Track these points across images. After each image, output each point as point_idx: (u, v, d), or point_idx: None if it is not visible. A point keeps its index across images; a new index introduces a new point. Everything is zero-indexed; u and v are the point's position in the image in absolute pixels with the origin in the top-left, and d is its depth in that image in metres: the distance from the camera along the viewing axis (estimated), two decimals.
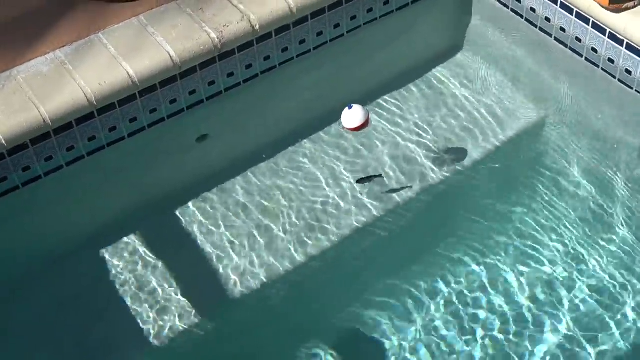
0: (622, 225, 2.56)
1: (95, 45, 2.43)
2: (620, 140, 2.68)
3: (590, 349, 2.32)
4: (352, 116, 2.35)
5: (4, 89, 2.32)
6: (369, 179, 2.67)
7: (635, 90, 2.55)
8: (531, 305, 2.42)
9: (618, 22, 2.46)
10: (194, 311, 2.47)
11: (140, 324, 2.44)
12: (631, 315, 2.37)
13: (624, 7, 2.44)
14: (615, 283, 2.44)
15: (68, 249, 2.56)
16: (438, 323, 2.41)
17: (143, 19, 2.51)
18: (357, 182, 2.69)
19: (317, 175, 2.76)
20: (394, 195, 2.69)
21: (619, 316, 2.38)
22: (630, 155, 2.67)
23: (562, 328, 2.36)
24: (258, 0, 2.53)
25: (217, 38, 2.44)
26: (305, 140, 2.84)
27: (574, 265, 2.49)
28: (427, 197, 2.70)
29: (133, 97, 2.40)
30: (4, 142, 2.22)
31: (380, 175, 2.69)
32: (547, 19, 2.70)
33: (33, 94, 2.29)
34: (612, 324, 2.36)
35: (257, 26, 2.49)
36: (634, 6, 2.45)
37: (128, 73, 2.35)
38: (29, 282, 2.51)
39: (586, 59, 2.64)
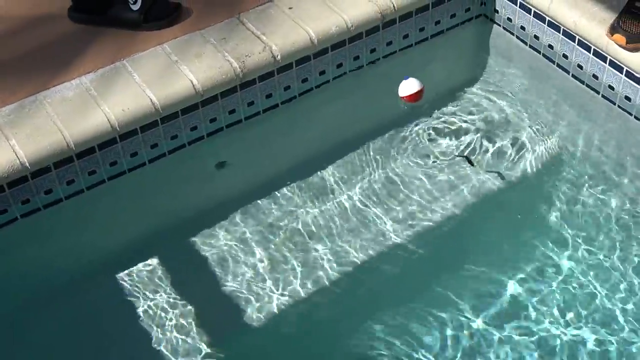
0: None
1: (120, 73, 2.48)
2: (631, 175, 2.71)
3: None
4: (407, 86, 2.62)
5: (30, 112, 2.36)
6: (467, 159, 2.72)
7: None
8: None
9: (636, 60, 2.49)
10: (208, 338, 2.47)
11: (155, 350, 2.45)
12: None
13: None
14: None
15: (85, 273, 2.58)
16: (455, 356, 2.41)
17: (167, 48, 2.56)
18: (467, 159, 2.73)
19: (333, 204, 2.78)
20: (409, 226, 2.70)
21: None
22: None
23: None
24: (280, 32, 2.58)
25: (239, 67, 2.49)
26: (322, 169, 2.86)
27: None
28: (442, 230, 2.71)
29: (155, 123, 2.44)
30: (27, 164, 2.26)
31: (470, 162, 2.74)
32: (565, 56, 2.73)
33: (58, 118, 2.34)
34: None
35: (279, 57, 2.54)
36: None
37: (151, 100, 2.39)
38: (45, 305, 2.52)
39: (603, 96, 2.67)
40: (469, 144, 2.93)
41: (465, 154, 2.73)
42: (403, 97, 2.69)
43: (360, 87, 2.85)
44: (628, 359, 2.36)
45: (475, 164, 2.70)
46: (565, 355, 2.39)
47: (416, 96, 2.62)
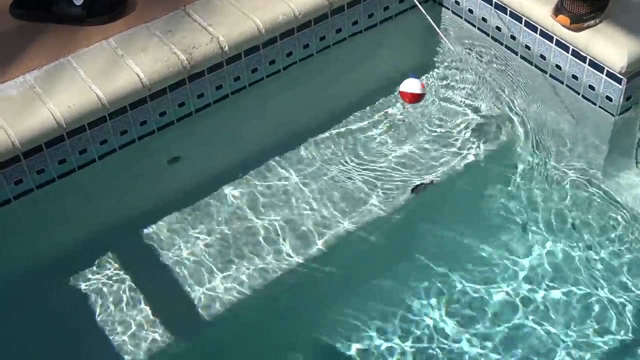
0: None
1: (65, 69, 2.44)
2: (580, 146, 2.75)
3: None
4: (411, 85, 2.48)
5: None
6: (423, 186, 2.67)
7: (599, 107, 2.60)
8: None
9: (580, 39, 2.52)
10: (168, 332, 2.46)
11: (115, 345, 2.43)
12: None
13: (584, 25, 2.49)
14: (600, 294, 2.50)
15: (40, 272, 2.55)
16: (420, 339, 2.43)
17: (112, 42, 2.52)
18: (412, 191, 2.69)
19: (290, 192, 2.78)
20: (369, 209, 2.71)
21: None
22: (592, 158, 2.72)
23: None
24: (227, 22, 2.56)
25: (187, 60, 2.47)
26: (277, 159, 2.86)
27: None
28: (401, 215, 2.72)
29: (103, 119, 2.41)
30: None
31: (431, 182, 2.70)
32: (513, 37, 2.75)
33: (1, 117, 2.30)
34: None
35: (226, 47, 2.52)
36: (595, 24, 2.51)
37: (97, 95, 2.36)
38: (0, 304, 2.50)
39: (551, 75, 2.69)
40: (420, 130, 2.95)
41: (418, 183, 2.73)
42: (404, 93, 2.52)
43: (311, 75, 2.84)
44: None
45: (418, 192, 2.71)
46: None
47: (415, 97, 2.54)
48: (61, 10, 2.58)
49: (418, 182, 2.69)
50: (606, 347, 2.37)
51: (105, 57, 2.48)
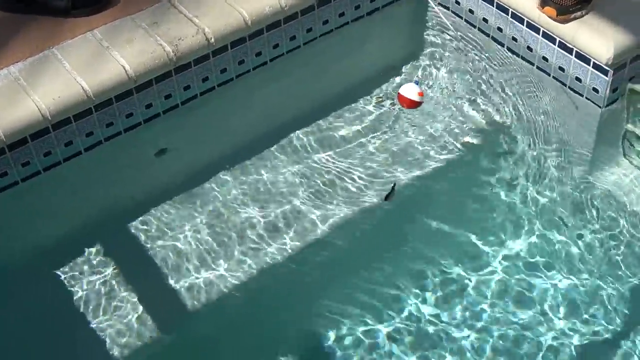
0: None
1: (50, 61, 2.43)
2: (569, 142, 2.75)
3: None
4: (409, 89, 2.49)
5: None
6: (392, 191, 2.67)
7: (586, 98, 2.60)
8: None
9: (567, 31, 2.52)
10: (155, 324, 2.46)
11: (100, 337, 2.42)
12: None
13: (571, 17, 2.49)
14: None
15: (26, 264, 2.54)
16: (404, 331, 2.43)
17: (97, 34, 2.51)
18: (385, 199, 2.69)
19: (277, 184, 2.77)
20: (355, 202, 2.71)
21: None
22: (579, 150, 2.73)
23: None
24: (213, 14, 2.55)
25: (172, 51, 2.45)
26: (264, 151, 2.85)
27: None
28: (387, 205, 2.72)
29: (88, 111, 2.40)
30: None
31: (394, 185, 2.70)
32: (499, 29, 2.75)
33: None
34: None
35: (212, 39, 2.51)
36: (582, 16, 2.51)
37: (83, 87, 2.35)
38: None
39: (537, 67, 2.69)
40: (408, 120, 2.95)
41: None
42: (402, 97, 2.53)
43: (298, 67, 2.83)
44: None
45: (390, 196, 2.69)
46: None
47: (412, 104, 2.56)
48: (46, 2, 2.56)
49: (387, 191, 2.70)
50: (593, 334, 2.40)
51: (91, 48, 2.46)
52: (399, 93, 2.50)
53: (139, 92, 2.47)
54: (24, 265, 2.54)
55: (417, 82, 2.50)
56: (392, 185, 2.67)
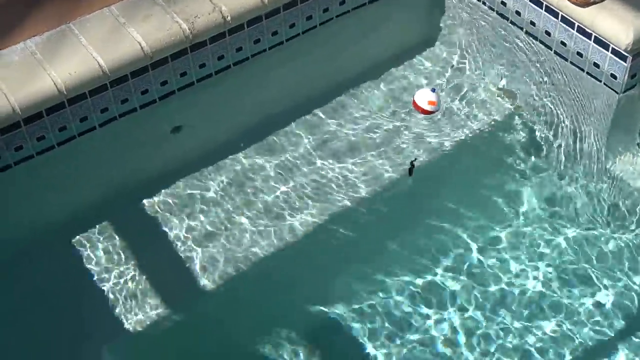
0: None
1: (67, 36, 2.44)
2: (583, 124, 2.73)
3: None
4: (422, 97, 2.55)
5: None
6: (412, 167, 2.70)
7: (604, 83, 2.58)
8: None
9: (586, 16, 2.49)
10: (164, 301, 2.48)
11: (112, 313, 2.45)
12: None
13: (591, 1, 2.47)
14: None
15: (40, 238, 2.56)
16: (408, 315, 2.44)
17: (114, 10, 2.51)
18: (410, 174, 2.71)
19: (289, 166, 2.77)
20: (365, 188, 2.71)
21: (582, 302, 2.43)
22: (595, 136, 2.71)
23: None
24: None
25: (189, 29, 2.45)
26: (277, 131, 2.85)
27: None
28: (397, 192, 2.72)
29: (104, 87, 2.40)
30: None
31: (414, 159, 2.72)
32: (518, 13, 2.73)
33: (3, 83, 2.29)
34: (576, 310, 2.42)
35: (229, 17, 2.50)
36: (601, 0, 2.48)
37: (99, 63, 2.35)
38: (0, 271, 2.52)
39: (555, 52, 2.67)
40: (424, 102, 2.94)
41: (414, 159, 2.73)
42: (415, 104, 2.61)
43: (314, 47, 2.82)
44: None
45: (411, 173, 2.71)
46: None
47: (425, 112, 2.58)
48: None
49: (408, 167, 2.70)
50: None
51: (107, 24, 2.47)
52: (413, 99, 2.53)
53: (154, 69, 2.47)
54: (36, 238, 2.56)
55: (433, 90, 2.51)
56: (412, 160, 2.66)
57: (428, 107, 2.54)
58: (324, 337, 2.44)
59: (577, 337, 2.37)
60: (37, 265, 2.54)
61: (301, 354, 2.37)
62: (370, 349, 2.37)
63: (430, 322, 2.42)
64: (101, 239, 2.59)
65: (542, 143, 2.79)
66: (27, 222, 2.54)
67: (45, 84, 2.31)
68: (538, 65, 2.77)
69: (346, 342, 2.40)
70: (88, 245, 2.57)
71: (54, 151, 2.43)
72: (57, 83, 2.31)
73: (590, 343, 2.36)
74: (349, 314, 2.44)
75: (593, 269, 2.50)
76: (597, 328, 2.39)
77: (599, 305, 2.42)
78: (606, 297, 2.44)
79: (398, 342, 2.38)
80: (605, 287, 2.46)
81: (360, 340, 2.39)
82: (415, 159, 2.68)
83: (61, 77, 2.32)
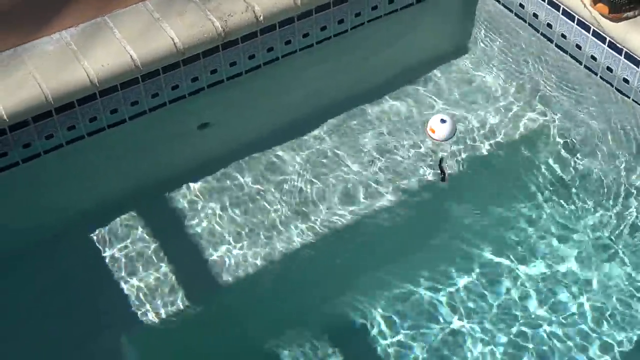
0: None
1: (101, 28, 2.47)
2: (611, 140, 2.72)
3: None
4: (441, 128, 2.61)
5: (8, 66, 2.36)
6: (442, 169, 2.72)
7: (633, 100, 2.57)
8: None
9: (618, 31, 2.49)
10: (184, 295, 2.50)
11: (132, 304, 2.48)
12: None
13: (623, 16, 2.46)
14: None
15: (66, 227, 2.61)
16: (427, 320, 2.44)
17: (149, 5, 2.54)
18: (442, 180, 2.73)
19: (313, 166, 2.79)
20: (386, 190, 2.72)
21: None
22: (623, 152, 2.71)
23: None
24: None
25: (221, 27, 2.48)
26: (306, 132, 2.87)
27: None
28: (420, 196, 2.72)
29: (135, 80, 2.43)
30: (5, 117, 2.27)
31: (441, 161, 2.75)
32: (549, 25, 2.73)
33: (37, 72, 2.33)
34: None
35: (261, 17, 2.53)
36: (634, 16, 2.47)
37: (131, 57, 2.39)
38: (25, 258, 2.55)
39: (585, 66, 2.66)
40: (453, 108, 2.94)
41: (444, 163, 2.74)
42: (431, 131, 2.65)
43: (344, 51, 2.84)
44: None
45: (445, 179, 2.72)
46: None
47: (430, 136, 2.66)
48: None
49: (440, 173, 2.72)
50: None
51: (142, 19, 2.50)
52: (430, 128, 2.63)
53: (186, 65, 2.50)
54: (64, 226, 2.60)
55: (443, 121, 2.59)
56: (439, 162, 2.68)
57: (429, 133, 2.62)
58: (340, 339, 2.45)
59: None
60: (61, 253, 2.57)
61: (316, 355, 2.38)
62: (386, 352, 2.38)
63: (448, 329, 2.42)
64: (126, 230, 2.62)
65: (572, 158, 2.78)
66: (54, 209, 2.58)
67: (78, 75, 2.34)
68: (567, 78, 2.77)
69: (362, 345, 2.41)
70: (112, 235, 2.61)
71: (84, 141, 2.47)
72: (90, 74, 2.34)
73: None
74: (366, 316, 2.44)
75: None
76: None
77: None
78: None
79: (415, 346, 2.38)
80: None
81: (377, 344, 2.39)
82: (442, 158, 2.68)
83: (94, 69, 2.35)
